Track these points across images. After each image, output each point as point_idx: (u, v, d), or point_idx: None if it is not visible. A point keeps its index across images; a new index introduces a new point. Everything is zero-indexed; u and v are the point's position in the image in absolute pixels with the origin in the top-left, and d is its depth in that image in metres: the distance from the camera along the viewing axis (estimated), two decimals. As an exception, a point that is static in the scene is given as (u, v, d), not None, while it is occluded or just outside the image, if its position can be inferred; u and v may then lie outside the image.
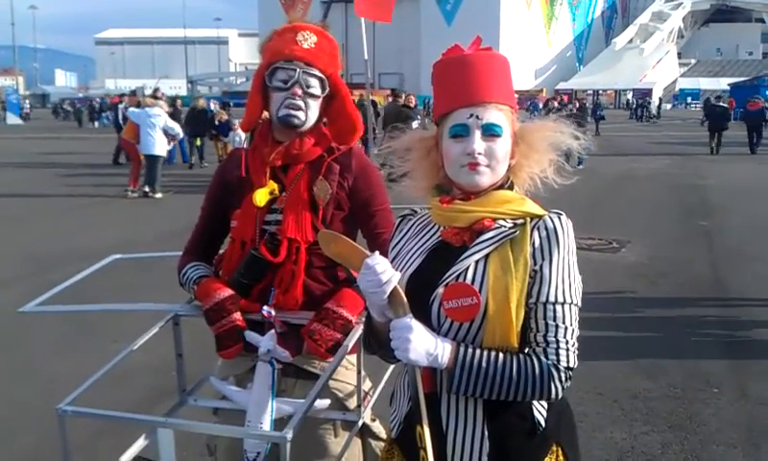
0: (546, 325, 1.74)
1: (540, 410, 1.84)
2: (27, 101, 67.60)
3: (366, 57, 7.21)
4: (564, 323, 1.75)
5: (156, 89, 25.84)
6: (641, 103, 56.33)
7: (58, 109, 64.22)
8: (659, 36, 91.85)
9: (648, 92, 70.12)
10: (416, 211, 2.04)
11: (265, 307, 2.46)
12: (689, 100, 77.88)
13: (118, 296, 6.83)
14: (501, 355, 1.72)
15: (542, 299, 1.75)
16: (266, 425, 2.37)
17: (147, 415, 2.37)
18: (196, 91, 75.73)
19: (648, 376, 5.58)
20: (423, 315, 1.75)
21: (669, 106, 74.14)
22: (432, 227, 1.94)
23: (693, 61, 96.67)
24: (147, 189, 15.41)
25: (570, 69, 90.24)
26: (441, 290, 1.77)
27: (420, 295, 1.78)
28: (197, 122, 21.23)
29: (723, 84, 68.78)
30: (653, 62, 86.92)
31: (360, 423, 2.55)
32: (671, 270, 8.94)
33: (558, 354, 1.73)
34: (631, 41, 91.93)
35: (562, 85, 78.01)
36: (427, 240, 1.92)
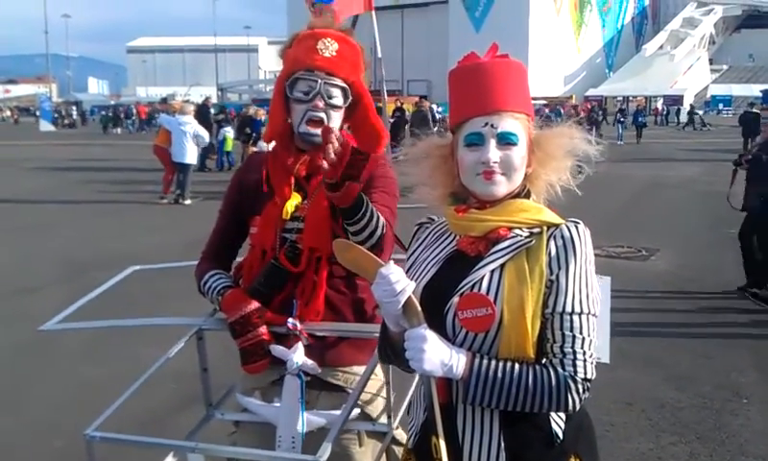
0: (563, 335, 1.73)
1: (557, 422, 1.82)
2: (74, 108, 68.03)
3: (379, 54, 6.99)
4: (581, 333, 1.73)
5: (208, 98, 26.32)
6: (691, 109, 54.29)
7: (86, 116, 65.66)
8: (690, 42, 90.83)
9: (679, 99, 69.42)
10: (432, 220, 2.03)
11: (290, 320, 2.44)
12: (721, 107, 76.94)
13: (146, 303, 6.92)
14: (517, 366, 1.70)
15: (559, 309, 1.73)
16: (298, 440, 2.35)
17: (177, 441, 2.36)
18: (226, 99, 76.18)
19: (676, 386, 5.52)
20: (438, 325, 1.74)
21: (701, 112, 73.24)
22: (448, 235, 1.92)
23: (725, 68, 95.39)
24: (177, 196, 15.60)
25: (600, 76, 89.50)
26: (455, 300, 1.76)
27: (434, 305, 1.76)
28: (243, 126, 21.82)
29: (755, 90, 67.71)
30: (684, 69, 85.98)
31: (391, 434, 2.54)
32: (700, 278, 8.85)
33: (575, 365, 1.71)
34: (661, 47, 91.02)
35: (591, 92, 77.45)
36: (443, 249, 1.90)
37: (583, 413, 1.88)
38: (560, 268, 1.74)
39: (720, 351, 6.32)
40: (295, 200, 2.50)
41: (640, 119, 36.62)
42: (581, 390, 1.72)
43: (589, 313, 1.75)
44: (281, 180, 2.53)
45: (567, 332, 1.73)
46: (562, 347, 1.73)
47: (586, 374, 1.72)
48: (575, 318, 1.73)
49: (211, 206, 13.92)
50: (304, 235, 2.47)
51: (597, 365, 1.78)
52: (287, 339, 2.45)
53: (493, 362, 1.71)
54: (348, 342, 2.53)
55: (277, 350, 2.41)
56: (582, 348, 1.73)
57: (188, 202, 15.47)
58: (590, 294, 1.75)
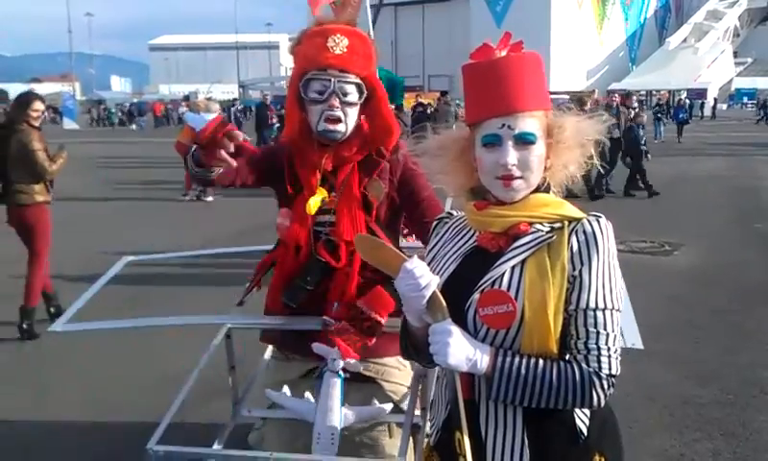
0: (587, 332, 1.71)
1: (581, 418, 1.80)
2: (128, 105, 64.39)
3: (372, 37, 7.01)
4: (605, 329, 1.71)
5: (266, 95, 26.12)
6: (764, 103, 50.50)
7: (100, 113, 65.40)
8: (713, 35, 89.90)
9: (703, 92, 68.69)
10: (452, 214, 2.02)
11: (326, 317, 2.46)
12: (746, 100, 76.04)
13: (166, 301, 6.96)
14: (541, 362, 1.69)
15: (582, 305, 1.71)
16: (336, 436, 2.35)
17: (251, 451, 2.38)
18: (248, 96, 76.36)
19: (700, 382, 5.48)
20: (459, 321, 1.73)
21: (725, 106, 72.50)
22: (468, 230, 1.91)
23: (750, 60, 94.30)
24: (199, 193, 15.66)
25: (623, 69, 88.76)
26: (476, 296, 1.75)
27: (455, 301, 1.75)
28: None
29: (781, 83, 67.07)
30: (708, 62, 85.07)
31: (425, 430, 2.55)
32: (725, 273, 8.78)
33: (600, 361, 1.70)
34: (685, 41, 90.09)
35: (614, 86, 76.73)
36: (462, 244, 1.89)
37: (607, 409, 1.86)
38: (582, 264, 1.72)
39: (745, 347, 6.25)
40: (320, 195, 2.50)
41: (681, 115, 32.96)
42: (605, 386, 1.71)
43: (613, 308, 1.73)
44: (308, 175, 2.54)
45: (591, 328, 1.71)
46: (586, 343, 1.72)
47: (610, 369, 1.71)
48: (599, 314, 1.71)
49: (233, 202, 13.89)
50: (339, 229, 2.48)
51: (625, 356, 1.77)
52: (324, 335, 2.45)
53: (517, 358, 1.70)
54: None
55: (318, 347, 2.40)
56: (606, 343, 1.71)
57: (210, 198, 15.52)
58: (614, 289, 1.74)
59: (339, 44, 2.46)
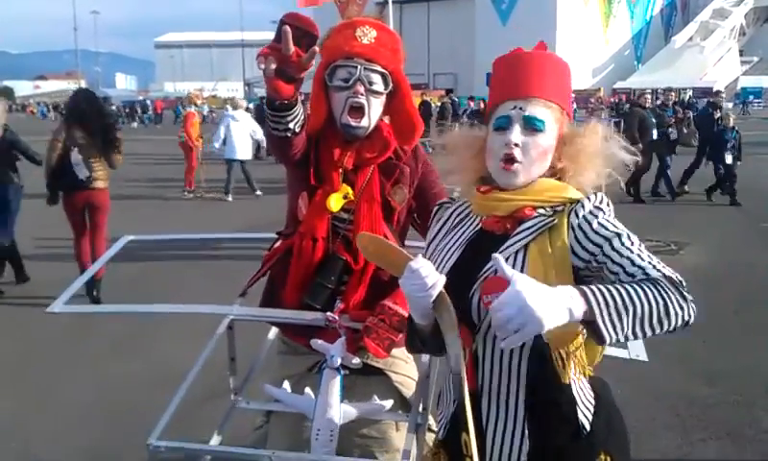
0: (623, 259, 1.66)
1: (585, 413, 1.78)
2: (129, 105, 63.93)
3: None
4: (639, 249, 1.67)
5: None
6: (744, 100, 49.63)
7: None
8: (720, 34, 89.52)
9: (709, 91, 68.48)
10: (453, 200, 2.01)
11: (329, 313, 2.46)
12: (751, 99, 75.62)
13: (168, 297, 6.93)
14: (619, 285, 1.56)
15: (607, 252, 1.67)
16: (335, 433, 2.34)
17: (251, 449, 2.35)
18: (253, 93, 76.42)
19: (707, 382, 5.44)
20: (463, 308, 1.72)
21: (731, 105, 72.26)
22: (471, 217, 1.90)
23: (756, 59, 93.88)
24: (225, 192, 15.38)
25: (628, 68, 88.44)
26: (480, 283, 1.74)
27: (460, 287, 1.74)
28: None
29: (787, 82, 66.83)
30: (714, 60, 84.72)
31: (425, 427, 2.54)
32: (732, 272, 8.74)
33: (658, 269, 1.62)
34: (691, 39, 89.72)
35: (620, 84, 76.67)
36: (466, 231, 1.88)
37: (613, 408, 1.84)
38: (585, 232, 1.71)
39: (753, 347, 6.22)
40: (343, 191, 2.51)
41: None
42: (681, 289, 1.60)
43: (630, 234, 1.70)
44: (330, 170, 2.53)
45: (626, 254, 1.66)
46: (633, 264, 1.64)
47: (672, 273, 1.62)
48: (623, 242, 1.67)
49: (236, 200, 13.85)
50: (358, 231, 2.44)
51: (628, 361, 1.74)
52: (326, 332, 2.45)
53: (601, 286, 1.55)
54: None
55: (317, 343, 2.39)
56: (648, 256, 1.66)
57: (212, 195, 15.47)
58: (623, 229, 1.71)
59: (367, 35, 2.48)
